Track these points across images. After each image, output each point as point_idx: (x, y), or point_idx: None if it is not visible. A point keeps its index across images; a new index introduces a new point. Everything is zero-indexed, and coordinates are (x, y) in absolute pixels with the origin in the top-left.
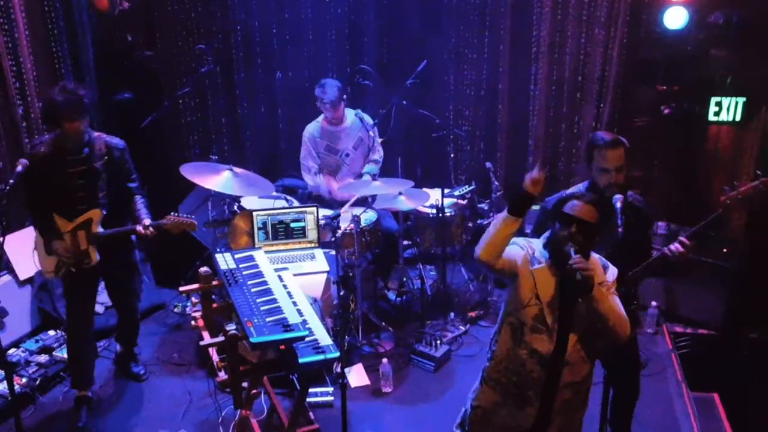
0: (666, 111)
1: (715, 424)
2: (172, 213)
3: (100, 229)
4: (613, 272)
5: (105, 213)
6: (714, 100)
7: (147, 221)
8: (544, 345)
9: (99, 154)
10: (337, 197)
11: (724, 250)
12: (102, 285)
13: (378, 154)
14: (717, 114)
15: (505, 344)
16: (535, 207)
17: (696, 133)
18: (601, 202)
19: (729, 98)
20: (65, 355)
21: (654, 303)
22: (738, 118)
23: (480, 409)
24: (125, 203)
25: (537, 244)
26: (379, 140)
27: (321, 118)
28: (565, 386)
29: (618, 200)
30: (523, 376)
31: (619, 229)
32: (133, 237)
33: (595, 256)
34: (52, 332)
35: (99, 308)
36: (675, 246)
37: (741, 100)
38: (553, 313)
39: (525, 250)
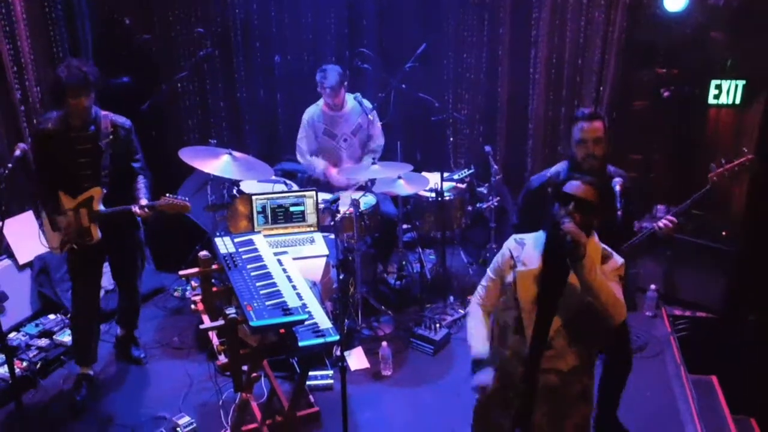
0: (666, 94)
1: (713, 407)
2: (166, 194)
3: (101, 207)
4: (616, 261)
5: (106, 191)
6: (714, 82)
7: (143, 201)
8: (525, 349)
9: (105, 132)
10: (334, 181)
11: (723, 233)
12: (105, 267)
13: (375, 143)
14: (717, 97)
15: (495, 343)
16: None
17: (696, 116)
18: (601, 183)
19: (729, 81)
20: (65, 339)
21: (653, 286)
22: (738, 100)
23: (479, 404)
24: (128, 182)
25: (529, 240)
26: (380, 124)
27: (322, 101)
28: (547, 371)
29: (617, 183)
30: (507, 376)
31: (618, 213)
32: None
33: (599, 244)
34: (52, 316)
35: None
36: (664, 222)
37: (741, 82)
38: (532, 318)
39: (508, 252)
